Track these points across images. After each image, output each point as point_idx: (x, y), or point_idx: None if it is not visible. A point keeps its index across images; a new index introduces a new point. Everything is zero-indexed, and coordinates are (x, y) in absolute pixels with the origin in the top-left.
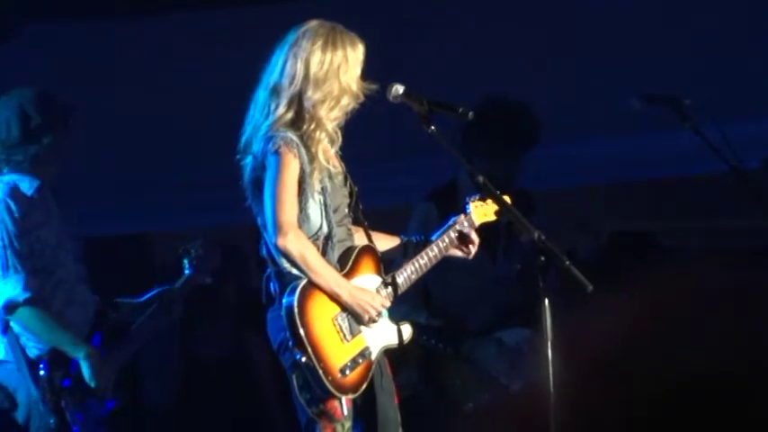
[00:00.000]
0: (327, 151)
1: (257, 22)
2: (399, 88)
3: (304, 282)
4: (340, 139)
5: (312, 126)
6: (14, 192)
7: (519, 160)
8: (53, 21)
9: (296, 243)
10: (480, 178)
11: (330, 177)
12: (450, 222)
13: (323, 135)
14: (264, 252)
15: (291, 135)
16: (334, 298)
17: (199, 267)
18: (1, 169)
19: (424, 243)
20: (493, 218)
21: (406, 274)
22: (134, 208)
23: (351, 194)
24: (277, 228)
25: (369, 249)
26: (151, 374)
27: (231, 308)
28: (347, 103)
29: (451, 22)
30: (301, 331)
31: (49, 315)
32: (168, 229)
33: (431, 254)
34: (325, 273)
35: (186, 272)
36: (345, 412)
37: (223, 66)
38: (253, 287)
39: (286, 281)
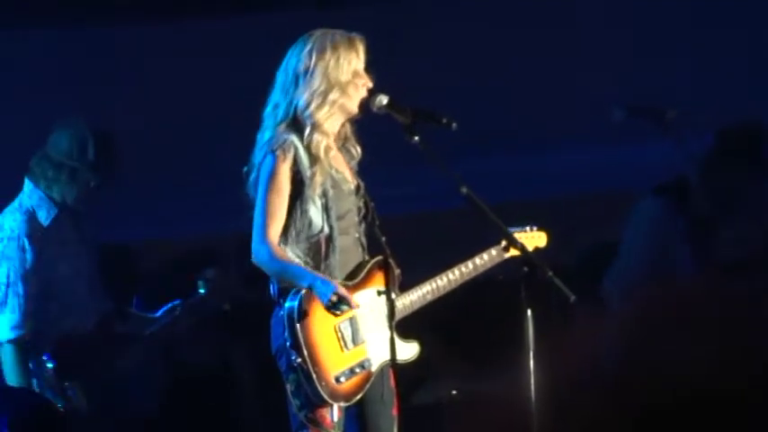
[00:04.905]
0: (335, 158)
1: (259, 31)
2: (383, 99)
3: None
4: (359, 152)
5: (309, 129)
6: (31, 225)
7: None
8: (55, 26)
9: (270, 263)
10: (464, 189)
11: (334, 185)
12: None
13: (321, 137)
14: None
15: (293, 137)
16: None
17: (213, 292)
18: (37, 182)
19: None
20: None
21: (420, 293)
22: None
23: (365, 207)
24: (260, 237)
25: (382, 263)
26: (135, 383)
27: (216, 317)
28: (336, 97)
29: (430, 30)
30: (300, 333)
31: (21, 361)
32: (152, 237)
33: (451, 276)
34: (290, 269)
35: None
36: (335, 420)
37: (225, 73)
38: (238, 297)
39: (286, 284)
